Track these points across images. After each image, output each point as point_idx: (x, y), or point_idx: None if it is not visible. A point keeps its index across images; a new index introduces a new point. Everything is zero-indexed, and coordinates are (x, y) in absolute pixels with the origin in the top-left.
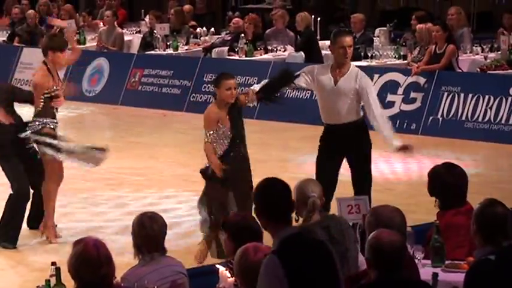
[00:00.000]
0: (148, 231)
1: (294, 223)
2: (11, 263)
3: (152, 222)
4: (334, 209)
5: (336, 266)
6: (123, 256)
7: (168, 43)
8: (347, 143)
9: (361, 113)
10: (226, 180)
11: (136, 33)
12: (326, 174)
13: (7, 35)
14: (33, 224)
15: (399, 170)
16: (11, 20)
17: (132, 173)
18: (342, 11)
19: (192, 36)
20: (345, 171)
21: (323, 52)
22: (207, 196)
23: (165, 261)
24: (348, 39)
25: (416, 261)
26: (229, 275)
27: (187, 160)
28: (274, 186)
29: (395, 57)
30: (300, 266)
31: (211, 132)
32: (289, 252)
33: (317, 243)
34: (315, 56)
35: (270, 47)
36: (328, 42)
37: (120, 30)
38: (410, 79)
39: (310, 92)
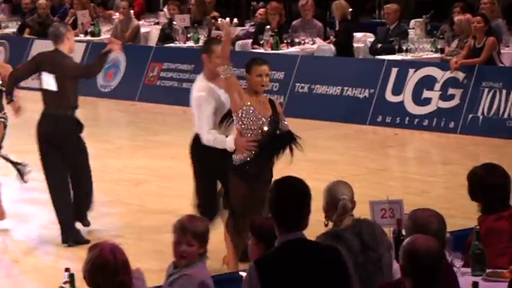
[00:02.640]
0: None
1: (323, 228)
2: (25, 268)
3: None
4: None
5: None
6: (141, 262)
7: (189, 35)
8: None
9: None
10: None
11: (154, 24)
12: None
13: (17, 26)
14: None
15: (437, 172)
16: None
17: (151, 174)
18: (374, 1)
19: (214, 27)
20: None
21: (355, 45)
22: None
23: None
24: None
25: (455, 269)
26: None
27: None
28: (291, 188)
29: (431, 51)
30: (278, 284)
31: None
32: (272, 264)
33: (317, 254)
34: (349, 49)
35: (297, 40)
36: (359, 35)
37: (136, 21)
38: (448, 74)
39: (340, 88)
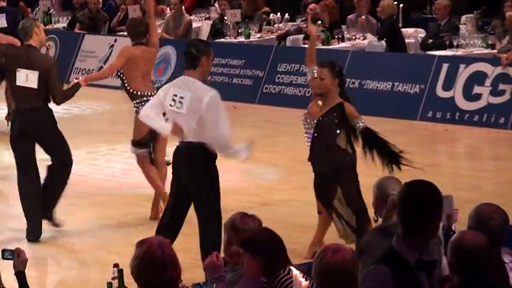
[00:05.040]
0: None
1: (373, 223)
2: (73, 264)
3: None
4: None
5: None
6: (189, 258)
7: (240, 30)
8: None
9: None
10: None
11: (205, 19)
12: None
13: (68, 21)
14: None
15: (487, 168)
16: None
17: None
18: None
19: (265, 23)
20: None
21: (406, 40)
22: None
23: None
24: None
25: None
26: (303, 279)
27: (259, 156)
28: (421, 192)
29: (482, 47)
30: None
31: None
32: (401, 265)
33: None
34: (399, 44)
35: (348, 35)
36: (410, 30)
37: (188, 17)
38: (498, 70)
39: (390, 83)
